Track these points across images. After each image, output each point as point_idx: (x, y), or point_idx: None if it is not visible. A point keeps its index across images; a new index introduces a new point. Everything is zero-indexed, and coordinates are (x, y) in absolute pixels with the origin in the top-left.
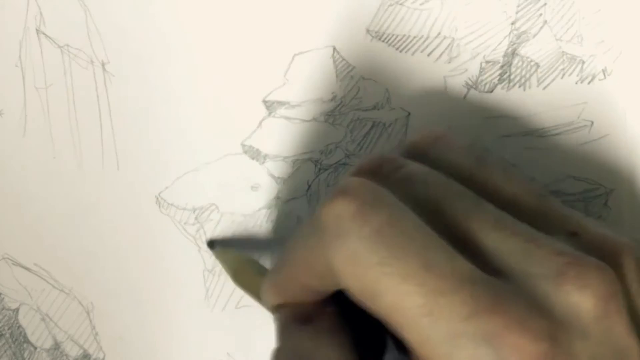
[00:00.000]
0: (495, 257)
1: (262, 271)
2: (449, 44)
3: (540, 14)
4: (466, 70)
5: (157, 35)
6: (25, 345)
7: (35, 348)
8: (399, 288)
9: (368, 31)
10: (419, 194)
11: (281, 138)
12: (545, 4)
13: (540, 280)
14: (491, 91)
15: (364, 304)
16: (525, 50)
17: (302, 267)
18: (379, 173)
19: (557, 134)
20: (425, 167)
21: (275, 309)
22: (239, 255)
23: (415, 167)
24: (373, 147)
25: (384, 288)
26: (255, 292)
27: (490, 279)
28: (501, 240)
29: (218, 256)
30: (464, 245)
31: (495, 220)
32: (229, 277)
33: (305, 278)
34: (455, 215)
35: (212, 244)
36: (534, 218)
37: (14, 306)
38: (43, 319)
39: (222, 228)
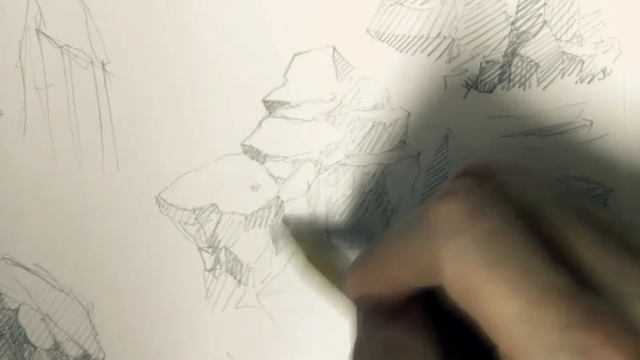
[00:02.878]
0: (590, 273)
1: (338, 257)
2: (449, 44)
3: (540, 14)
4: (466, 70)
5: (157, 35)
6: (25, 345)
7: (35, 348)
8: (501, 293)
9: (368, 31)
10: (524, 199)
11: (281, 138)
12: (545, 4)
13: (632, 300)
14: (491, 91)
15: (462, 304)
16: (525, 50)
17: (399, 261)
18: (483, 176)
19: (557, 134)
20: (525, 176)
21: (359, 301)
22: (314, 238)
23: (516, 175)
24: (373, 147)
25: (486, 292)
26: (328, 277)
27: (587, 294)
28: (597, 256)
29: (291, 236)
30: (559, 256)
31: (592, 237)
32: (301, 258)
33: (400, 272)
34: (554, 226)
35: (286, 222)
36: (619, 244)
37: (14, 306)
38: (43, 319)
39: (222, 228)
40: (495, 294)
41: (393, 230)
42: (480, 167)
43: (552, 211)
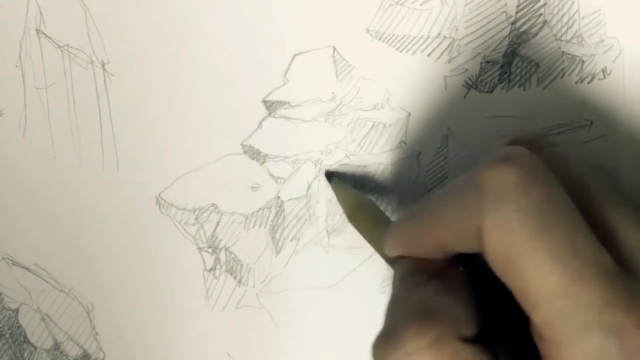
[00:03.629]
0: (628, 254)
1: (379, 215)
2: (449, 44)
3: (540, 14)
4: (466, 70)
5: (157, 35)
6: (25, 345)
7: (35, 348)
8: (543, 265)
9: (368, 31)
10: (571, 174)
11: (281, 138)
12: (545, 4)
13: None
14: (491, 91)
15: (501, 273)
16: (525, 50)
17: (444, 223)
18: (535, 145)
19: (557, 134)
20: (571, 154)
21: (398, 260)
22: (357, 193)
23: (564, 150)
24: (373, 147)
25: (528, 262)
26: (369, 234)
27: (626, 275)
28: (634, 236)
29: (335, 191)
30: (601, 235)
31: (637, 219)
32: (344, 213)
33: (444, 234)
34: (600, 204)
35: (330, 176)
36: None
37: (14, 306)
38: (43, 319)
39: (222, 228)
40: (537, 264)
41: (442, 191)
42: (531, 137)
43: (598, 189)
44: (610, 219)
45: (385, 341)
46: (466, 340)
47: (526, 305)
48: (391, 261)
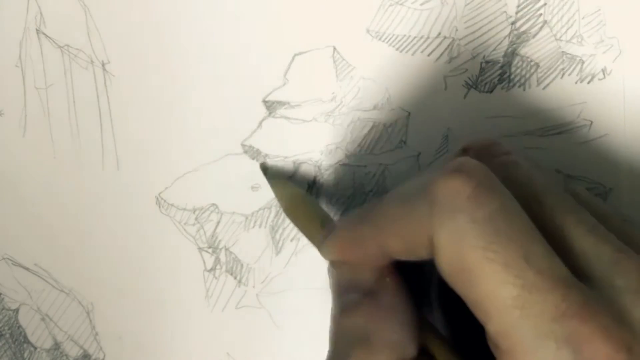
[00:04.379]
0: (583, 261)
1: (318, 211)
2: (449, 44)
3: (540, 14)
4: (466, 70)
5: (157, 35)
6: (25, 345)
7: (35, 348)
8: (497, 276)
9: (368, 31)
10: (522, 183)
11: (281, 138)
12: (545, 4)
13: (623, 292)
14: (491, 91)
15: (454, 284)
16: (525, 50)
17: (393, 231)
18: (486, 152)
19: (556, 134)
20: (526, 160)
21: (335, 265)
22: (295, 188)
23: (520, 158)
24: (373, 147)
25: (482, 273)
26: (307, 230)
27: (580, 284)
28: (592, 245)
29: (272, 184)
30: (556, 243)
31: (591, 225)
32: (280, 207)
33: (391, 242)
34: (554, 212)
35: (265, 169)
36: (619, 237)
37: (14, 306)
38: (43, 319)
39: (222, 228)
40: (491, 275)
41: (392, 197)
42: (482, 145)
43: (552, 196)
44: (564, 227)
45: None
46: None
47: (481, 315)
48: (330, 263)
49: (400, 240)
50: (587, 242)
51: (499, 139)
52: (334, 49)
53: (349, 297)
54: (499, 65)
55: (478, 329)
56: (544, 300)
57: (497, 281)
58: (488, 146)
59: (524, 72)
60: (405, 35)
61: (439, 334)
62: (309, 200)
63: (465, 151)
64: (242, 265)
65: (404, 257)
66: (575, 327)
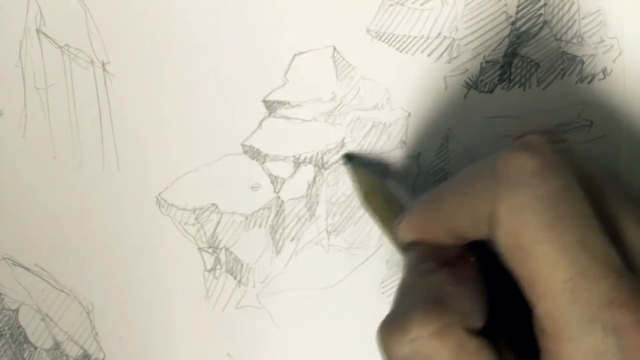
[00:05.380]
0: (632, 252)
1: (394, 200)
2: (449, 44)
3: (541, 14)
4: (466, 70)
5: (157, 35)
6: (25, 345)
7: (35, 348)
8: (552, 257)
9: (368, 31)
10: (583, 170)
11: (281, 138)
12: (545, 4)
13: None
14: (491, 91)
15: (510, 259)
16: (525, 50)
17: (459, 208)
18: (548, 139)
19: None
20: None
21: (410, 245)
22: (374, 176)
23: (575, 148)
24: (373, 147)
25: (537, 252)
26: (382, 217)
27: (631, 274)
28: None
29: (352, 172)
30: (609, 232)
31: None
32: (358, 195)
33: (458, 219)
34: (610, 202)
35: (348, 158)
36: None
37: (14, 306)
38: (43, 319)
39: (222, 228)
40: (548, 256)
41: (459, 176)
42: (544, 131)
43: (609, 188)
44: (618, 218)
45: (391, 325)
46: (472, 332)
47: (531, 295)
48: (403, 247)
49: (464, 215)
50: (635, 236)
51: (501, 139)
52: (334, 49)
53: (428, 265)
54: (499, 65)
55: (521, 313)
56: (594, 286)
57: (551, 262)
58: (550, 132)
59: (524, 72)
60: (405, 35)
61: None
62: (387, 190)
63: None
64: (242, 265)
65: (472, 235)
66: (623, 316)
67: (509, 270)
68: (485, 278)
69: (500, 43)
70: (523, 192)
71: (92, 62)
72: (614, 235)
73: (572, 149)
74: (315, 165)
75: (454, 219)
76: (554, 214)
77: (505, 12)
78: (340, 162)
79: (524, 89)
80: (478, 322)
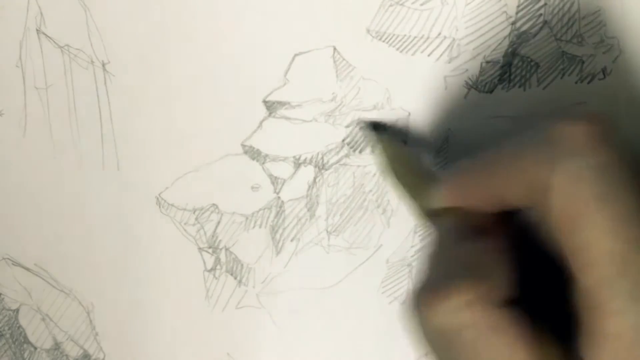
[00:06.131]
0: None
1: (420, 165)
2: (449, 44)
3: (541, 14)
4: (466, 70)
5: (157, 35)
6: (25, 345)
7: (35, 348)
8: (605, 225)
9: (368, 31)
10: (628, 149)
11: (281, 138)
12: (545, 4)
13: None
14: (491, 91)
15: (559, 228)
16: (525, 50)
17: (511, 175)
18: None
19: None
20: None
21: (445, 212)
22: (403, 146)
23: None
24: (373, 147)
25: (590, 220)
26: (408, 183)
27: None
28: None
29: (376, 139)
30: None
31: None
32: (382, 162)
33: (504, 185)
34: None
35: (376, 126)
36: None
37: (14, 306)
38: (43, 319)
39: (222, 228)
40: (600, 226)
41: (509, 143)
42: (592, 113)
43: None
44: None
45: (430, 294)
46: (508, 303)
47: (578, 265)
48: (434, 213)
49: (517, 183)
50: None
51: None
52: (334, 49)
53: (465, 232)
54: (499, 65)
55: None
56: None
57: (603, 231)
58: (596, 114)
59: (524, 72)
60: (405, 35)
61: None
62: (413, 154)
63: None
64: (242, 265)
65: (519, 202)
66: None
67: (541, 244)
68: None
69: (500, 43)
70: (580, 161)
71: (92, 62)
72: None
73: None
74: (315, 166)
75: (504, 186)
76: (608, 185)
77: (505, 12)
78: (363, 129)
79: (524, 89)
80: (512, 294)
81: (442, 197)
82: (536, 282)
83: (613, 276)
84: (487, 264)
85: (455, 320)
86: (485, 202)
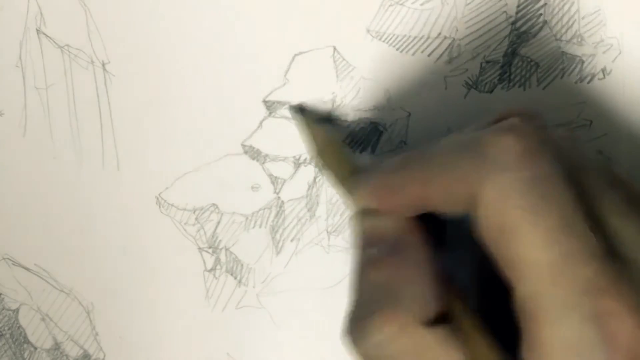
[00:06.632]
0: (620, 244)
1: (349, 157)
2: (449, 44)
3: (541, 14)
4: (466, 70)
5: (157, 35)
6: (25, 345)
7: (35, 348)
8: (536, 239)
9: (368, 31)
10: (562, 156)
11: (281, 138)
12: (545, 4)
13: None
14: (491, 91)
15: (491, 240)
16: (525, 50)
17: (437, 180)
18: (533, 121)
19: None
20: (569, 136)
21: (362, 214)
22: (330, 129)
23: (561, 132)
24: (373, 148)
25: (522, 233)
26: (338, 175)
27: (613, 261)
28: (625, 225)
29: (304, 126)
30: (591, 218)
31: (626, 206)
32: (311, 150)
33: (434, 191)
34: (590, 187)
35: (299, 110)
36: None
37: (14, 306)
38: (43, 319)
39: (222, 228)
40: (531, 237)
41: (437, 148)
42: (522, 113)
43: (592, 174)
44: (601, 204)
45: (353, 332)
46: (432, 321)
47: (512, 276)
48: (357, 211)
49: (443, 190)
50: (618, 222)
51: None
52: (334, 49)
53: (373, 250)
54: (499, 65)
55: (501, 295)
56: (577, 271)
57: (535, 244)
58: (535, 114)
59: (524, 72)
60: (405, 35)
61: (461, 294)
62: (344, 147)
63: (508, 115)
64: (242, 265)
65: (442, 209)
66: (603, 302)
67: (483, 250)
68: (455, 253)
69: (500, 43)
70: (510, 173)
71: (92, 62)
72: (597, 223)
73: (561, 134)
74: (315, 166)
75: (429, 192)
76: (539, 197)
77: (505, 12)
78: (291, 114)
79: (524, 89)
80: (435, 308)
81: (361, 197)
82: (488, 285)
83: (546, 287)
84: (403, 285)
85: (383, 352)
86: (406, 206)
